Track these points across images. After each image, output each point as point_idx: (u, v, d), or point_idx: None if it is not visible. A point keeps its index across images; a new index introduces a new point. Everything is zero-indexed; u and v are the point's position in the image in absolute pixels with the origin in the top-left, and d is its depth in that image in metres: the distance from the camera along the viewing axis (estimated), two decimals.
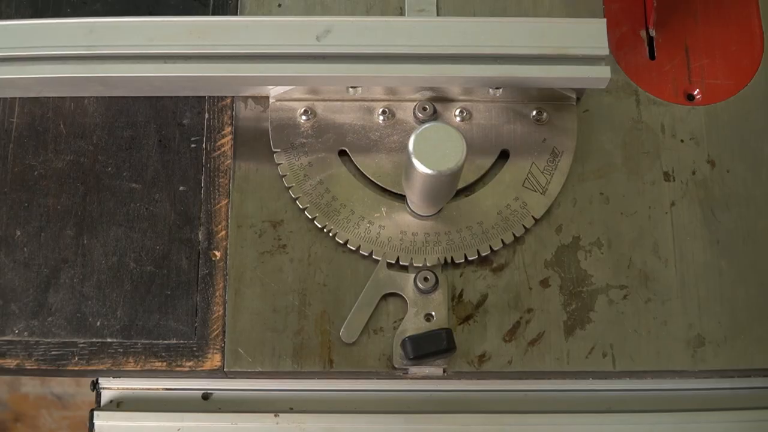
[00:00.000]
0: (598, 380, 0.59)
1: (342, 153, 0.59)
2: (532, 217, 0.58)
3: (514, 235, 0.57)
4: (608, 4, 0.63)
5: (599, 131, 0.60)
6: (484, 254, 0.57)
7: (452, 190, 0.53)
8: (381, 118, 0.59)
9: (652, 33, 0.63)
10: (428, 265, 0.57)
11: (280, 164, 0.58)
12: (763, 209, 0.59)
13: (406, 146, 0.49)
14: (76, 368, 0.56)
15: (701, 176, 0.60)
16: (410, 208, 0.57)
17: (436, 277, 0.56)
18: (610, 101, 0.61)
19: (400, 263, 0.57)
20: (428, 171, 0.48)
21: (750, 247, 0.58)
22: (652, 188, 0.59)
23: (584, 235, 0.58)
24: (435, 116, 0.59)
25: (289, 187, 0.58)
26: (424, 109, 0.59)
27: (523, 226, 0.57)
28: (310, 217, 0.57)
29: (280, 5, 0.63)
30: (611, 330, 0.56)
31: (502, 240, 0.57)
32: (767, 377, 0.59)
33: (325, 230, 0.57)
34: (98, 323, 0.56)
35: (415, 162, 0.48)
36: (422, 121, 0.59)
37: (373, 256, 0.57)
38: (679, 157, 0.60)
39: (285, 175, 0.58)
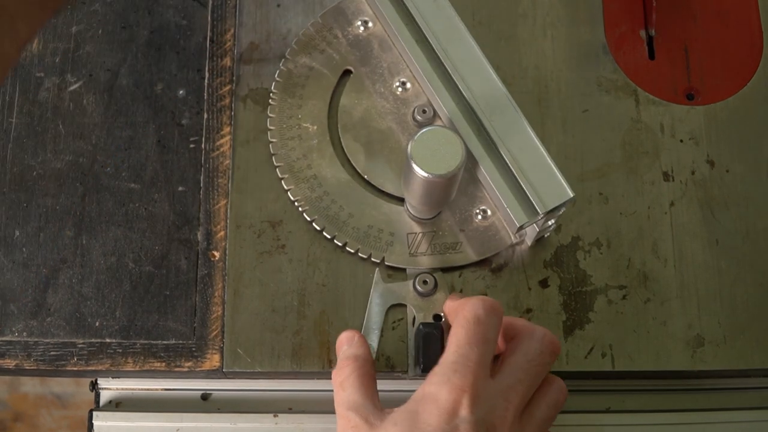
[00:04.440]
0: (598, 380, 0.59)
1: (345, 72, 0.61)
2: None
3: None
4: (608, 4, 0.63)
5: (598, 131, 0.60)
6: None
7: (450, 194, 0.53)
8: (399, 86, 0.60)
9: (652, 33, 0.62)
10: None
11: (296, 39, 0.61)
12: (762, 209, 0.59)
13: (405, 149, 0.49)
14: (75, 369, 0.56)
15: (700, 176, 0.60)
16: (409, 211, 0.57)
17: (435, 280, 0.56)
18: (610, 101, 0.61)
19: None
20: (427, 175, 0.48)
21: (749, 247, 0.58)
22: (652, 188, 0.59)
23: (583, 235, 0.58)
24: (433, 120, 0.59)
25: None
26: (424, 111, 0.59)
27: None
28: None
29: (279, 5, 0.63)
30: (610, 330, 0.56)
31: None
32: (767, 377, 0.59)
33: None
34: (97, 323, 0.56)
35: (414, 165, 0.48)
36: (419, 123, 0.59)
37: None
38: (678, 157, 0.60)
39: (291, 47, 0.60)
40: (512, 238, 0.57)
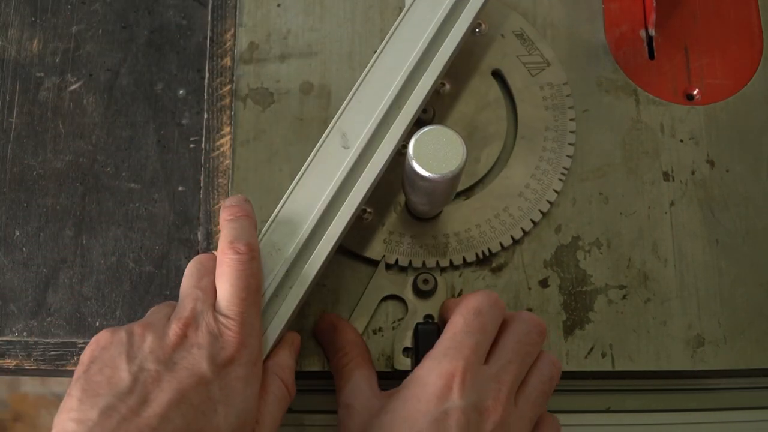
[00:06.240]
0: (598, 380, 0.59)
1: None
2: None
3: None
4: (608, 4, 0.63)
5: (598, 131, 0.60)
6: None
7: (452, 194, 0.53)
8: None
9: (652, 33, 0.62)
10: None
11: None
12: (762, 209, 0.59)
13: (405, 149, 0.49)
14: (75, 368, 0.56)
15: (700, 176, 0.60)
16: (409, 210, 0.57)
17: (435, 279, 0.56)
18: (610, 101, 0.61)
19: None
20: (428, 175, 0.48)
21: (749, 247, 0.58)
22: (652, 188, 0.59)
23: (583, 235, 0.58)
24: (432, 119, 0.59)
25: None
26: (425, 111, 0.59)
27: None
28: None
29: (279, 5, 0.63)
30: (610, 330, 0.56)
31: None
32: (767, 377, 0.59)
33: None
34: (97, 323, 0.56)
35: (415, 166, 0.48)
36: (420, 122, 0.59)
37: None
38: (678, 156, 0.60)
39: None
40: None
